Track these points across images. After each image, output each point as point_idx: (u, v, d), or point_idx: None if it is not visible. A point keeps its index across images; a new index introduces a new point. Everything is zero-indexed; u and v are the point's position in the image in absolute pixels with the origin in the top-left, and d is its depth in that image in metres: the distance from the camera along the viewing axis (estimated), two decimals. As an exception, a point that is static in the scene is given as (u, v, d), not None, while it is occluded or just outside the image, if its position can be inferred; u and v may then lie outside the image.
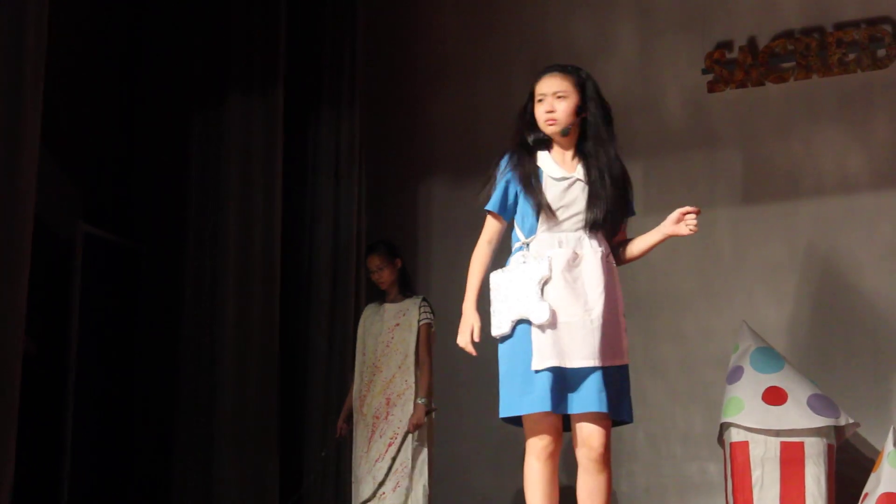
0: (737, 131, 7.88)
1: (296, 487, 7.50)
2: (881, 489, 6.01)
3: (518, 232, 4.58)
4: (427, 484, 6.44)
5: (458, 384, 7.94)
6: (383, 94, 8.67)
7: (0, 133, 5.77)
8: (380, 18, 8.69)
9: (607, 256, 4.54)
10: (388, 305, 6.72)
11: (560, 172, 4.51)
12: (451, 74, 8.70)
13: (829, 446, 6.38)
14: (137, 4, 8.21)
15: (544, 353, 4.35)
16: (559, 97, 4.52)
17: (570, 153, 4.57)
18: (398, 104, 8.77)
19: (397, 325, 6.62)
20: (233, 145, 7.74)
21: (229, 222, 7.66)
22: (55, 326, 7.37)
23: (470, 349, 4.52)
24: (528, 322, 4.39)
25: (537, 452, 4.51)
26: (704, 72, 7.95)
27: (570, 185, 4.49)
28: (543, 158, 4.55)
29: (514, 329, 4.45)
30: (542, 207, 4.46)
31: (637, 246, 4.70)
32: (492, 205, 4.58)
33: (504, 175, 4.56)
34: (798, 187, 7.69)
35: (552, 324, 4.34)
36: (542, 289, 4.39)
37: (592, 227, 4.47)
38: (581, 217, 4.48)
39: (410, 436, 6.41)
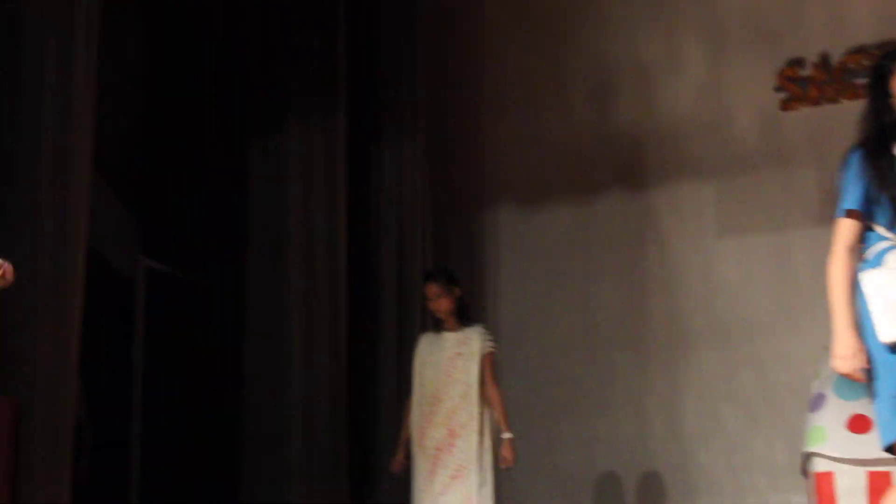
0: (812, 150, 7.66)
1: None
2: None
3: (882, 230, 4.11)
4: None
5: (520, 415, 7.79)
6: (446, 120, 8.56)
7: (52, 165, 5.74)
8: (441, 44, 8.59)
9: None
10: (447, 335, 6.52)
11: None
12: (514, 99, 8.57)
13: (920, 475, 6.10)
14: (195, 36, 8.14)
15: None
16: None
17: None
18: (461, 131, 8.66)
19: (458, 353, 6.42)
20: (294, 174, 7.65)
21: (292, 253, 7.56)
22: (119, 362, 7.32)
23: (859, 376, 4.00)
24: None
25: None
26: (777, 89, 7.74)
27: None
28: None
29: None
30: None
31: None
32: (855, 203, 4.14)
33: (860, 171, 4.13)
34: (876, 207, 7.43)
35: None
36: None
37: None
38: None
39: (475, 468, 6.21)
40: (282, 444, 7.40)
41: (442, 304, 6.49)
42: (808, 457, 6.31)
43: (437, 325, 6.60)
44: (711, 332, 7.76)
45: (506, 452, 6.22)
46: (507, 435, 6.25)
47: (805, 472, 6.40)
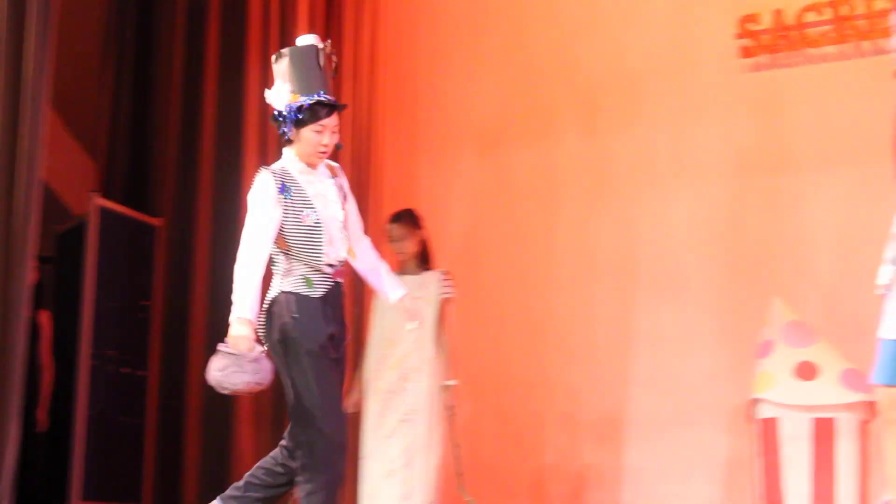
0: (774, 100, 7.67)
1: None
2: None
3: None
4: (439, 463, 6.20)
5: (471, 359, 7.83)
6: (399, 63, 8.51)
7: (6, 104, 5.72)
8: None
9: None
10: (407, 278, 6.36)
11: None
12: (472, 42, 8.57)
13: (863, 422, 6.14)
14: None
15: None
16: None
17: None
18: (421, 72, 8.60)
19: (415, 298, 6.27)
20: (251, 113, 7.68)
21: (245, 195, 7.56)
22: (70, 300, 7.30)
23: None
24: None
25: None
26: (738, 37, 7.75)
27: None
28: None
29: None
30: None
31: None
32: None
33: None
34: None
35: None
36: None
37: None
38: None
39: (425, 414, 6.18)
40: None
41: (406, 246, 6.36)
42: (754, 403, 6.36)
43: (398, 269, 6.48)
44: (666, 279, 7.79)
45: (449, 399, 6.19)
46: (451, 382, 6.21)
47: (751, 417, 6.44)
